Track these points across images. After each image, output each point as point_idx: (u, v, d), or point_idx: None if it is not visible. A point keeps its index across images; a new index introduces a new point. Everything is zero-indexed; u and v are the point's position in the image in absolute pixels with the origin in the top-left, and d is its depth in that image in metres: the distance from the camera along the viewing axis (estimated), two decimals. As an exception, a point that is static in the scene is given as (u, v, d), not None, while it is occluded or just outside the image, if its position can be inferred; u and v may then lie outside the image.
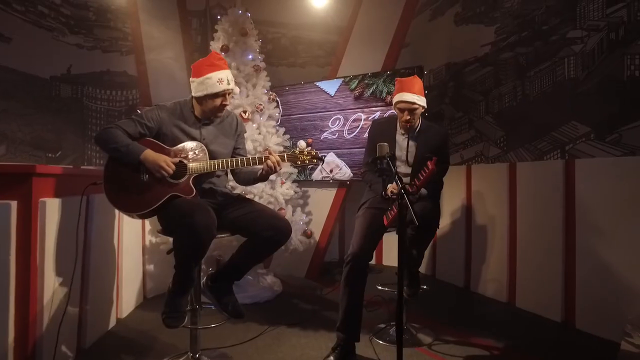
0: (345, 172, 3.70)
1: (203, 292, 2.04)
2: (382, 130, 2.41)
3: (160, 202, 1.82)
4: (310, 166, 1.98)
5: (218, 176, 2.08)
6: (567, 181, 2.56)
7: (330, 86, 3.74)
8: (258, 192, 3.11)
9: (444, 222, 3.74)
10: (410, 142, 2.34)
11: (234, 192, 2.19)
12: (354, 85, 3.61)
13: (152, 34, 3.97)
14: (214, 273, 2.02)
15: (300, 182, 3.90)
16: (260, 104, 3.19)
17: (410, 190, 2.04)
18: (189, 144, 1.96)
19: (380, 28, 3.76)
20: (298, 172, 3.90)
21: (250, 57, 3.32)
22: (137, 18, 3.97)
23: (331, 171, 3.78)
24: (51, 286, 1.89)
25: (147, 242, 3.12)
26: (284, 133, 3.50)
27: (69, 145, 3.78)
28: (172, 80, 3.94)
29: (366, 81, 3.55)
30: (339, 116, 3.72)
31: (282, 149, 3.36)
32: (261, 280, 3.40)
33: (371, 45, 3.74)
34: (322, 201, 3.95)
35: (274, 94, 3.39)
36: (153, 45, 3.97)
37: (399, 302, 1.55)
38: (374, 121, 2.54)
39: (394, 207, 2.08)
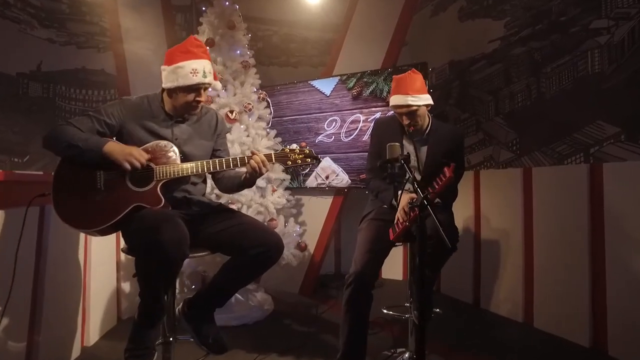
0: (342, 179, 3.40)
1: (178, 320, 1.71)
2: (387, 130, 2.11)
3: (121, 215, 1.50)
4: (304, 168, 1.66)
5: (194, 183, 1.76)
6: (593, 188, 2.29)
7: (326, 85, 3.45)
8: (246, 201, 2.79)
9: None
10: (420, 145, 2.05)
11: (216, 201, 1.87)
12: (351, 84, 3.32)
13: (132, 29, 3.65)
14: (192, 298, 1.70)
15: (293, 190, 3.58)
16: (249, 103, 2.89)
17: (431, 197, 1.74)
18: (157, 144, 1.64)
19: (379, 24, 3.49)
20: (291, 179, 3.58)
21: (238, 52, 3.02)
22: (116, 12, 3.65)
23: (327, 177, 3.47)
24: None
25: (122, 257, 2.77)
26: (276, 136, 3.20)
27: (38, 150, 3.42)
28: (154, 79, 3.60)
29: (365, 79, 3.26)
30: (335, 117, 3.43)
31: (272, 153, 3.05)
32: (250, 298, 3.06)
33: (369, 42, 3.46)
34: (317, 210, 3.63)
35: (264, 93, 3.09)
36: (133, 42, 3.65)
37: (418, 340, 1.23)
38: (377, 120, 2.25)
39: (399, 217, 1.78)
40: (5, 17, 3.24)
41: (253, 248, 1.57)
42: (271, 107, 3.68)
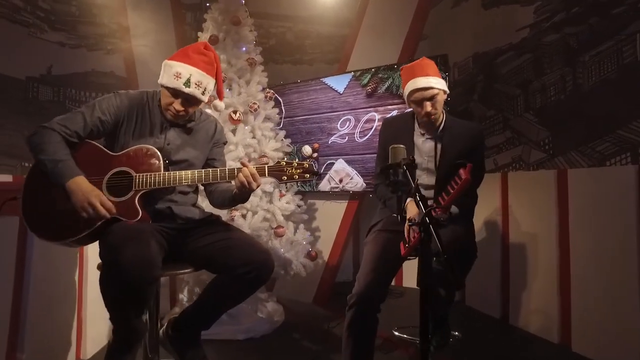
0: (356, 182, 3.18)
1: (162, 343, 1.55)
2: (396, 130, 1.90)
3: (93, 227, 1.35)
4: (303, 180, 1.47)
5: (184, 192, 1.60)
6: (642, 192, 1.98)
7: (339, 82, 3.25)
8: (252, 207, 2.62)
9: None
10: (431, 144, 1.82)
11: (207, 211, 1.70)
12: (365, 81, 3.10)
13: (141, 30, 3.58)
14: (177, 319, 1.54)
15: (306, 194, 3.40)
16: (255, 103, 2.72)
17: (439, 212, 1.52)
18: (139, 148, 1.48)
19: (395, 17, 3.26)
20: (302, 183, 3.40)
21: (243, 49, 2.86)
22: (124, 12, 3.59)
23: (340, 181, 3.26)
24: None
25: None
26: (286, 136, 3.02)
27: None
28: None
29: (380, 75, 3.03)
30: (349, 117, 3.21)
31: (281, 155, 2.87)
32: (260, 308, 2.89)
33: (385, 36, 3.23)
34: (332, 215, 3.43)
35: (272, 91, 2.91)
36: (142, 43, 3.57)
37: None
38: (385, 120, 2.03)
39: (412, 231, 1.56)
40: (15, 21, 3.22)
41: (238, 267, 1.39)
42: (282, 107, 3.53)
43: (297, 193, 2.98)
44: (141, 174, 1.43)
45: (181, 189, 1.57)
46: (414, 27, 3.12)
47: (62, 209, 1.36)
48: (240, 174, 1.41)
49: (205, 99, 1.55)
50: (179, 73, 1.46)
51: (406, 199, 1.72)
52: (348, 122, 3.22)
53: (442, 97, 1.80)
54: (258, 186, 1.43)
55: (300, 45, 4.24)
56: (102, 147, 1.49)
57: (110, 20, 3.66)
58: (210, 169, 1.48)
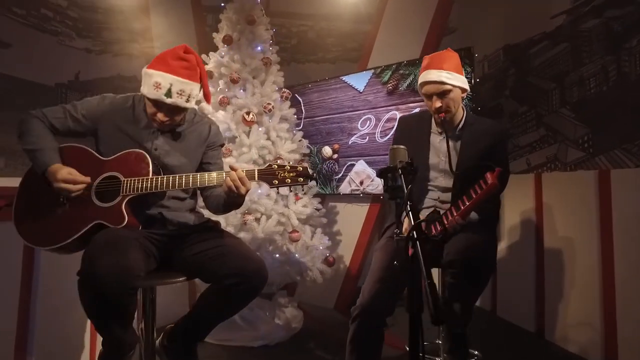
0: (378, 184, 3.04)
1: (158, 353, 1.50)
2: (412, 129, 1.76)
3: (79, 233, 1.31)
4: (297, 185, 1.36)
5: (180, 198, 1.54)
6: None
7: (359, 80, 3.12)
8: (266, 211, 2.55)
9: (505, 243, 2.95)
10: (451, 143, 1.66)
11: (204, 217, 1.63)
12: (386, 78, 2.95)
13: (163, 33, 3.62)
14: (172, 329, 1.48)
15: (327, 197, 3.31)
16: (269, 104, 2.64)
17: (456, 218, 1.37)
18: (128, 153, 1.44)
19: (416, 11, 3.10)
20: (322, 185, 3.30)
21: (259, 48, 2.80)
22: (147, 17, 3.64)
23: (361, 183, 3.13)
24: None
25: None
26: (306, 137, 2.94)
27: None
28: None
29: (401, 71, 2.88)
30: (369, 116, 3.08)
31: (297, 157, 2.78)
32: (278, 314, 2.82)
33: (406, 31, 3.08)
34: (353, 219, 3.31)
35: (287, 91, 2.83)
36: (164, 46, 3.60)
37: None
38: (401, 118, 1.90)
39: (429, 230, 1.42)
40: (45, 30, 3.33)
41: (228, 277, 1.31)
42: (302, 107, 3.45)
43: (315, 196, 2.89)
44: (129, 179, 1.38)
45: (175, 194, 1.51)
46: (437, 20, 2.94)
47: (49, 217, 1.34)
48: (228, 178, 1.33)
49: (190, 105, 1.47)
50: (158, 83, 1.39)
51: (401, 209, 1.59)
52: (369, 122, 3.08)
53: (457, 95, 1.65)
54: (247, 191, 1.34)
55: (322, 44, 4.13)
56: (93, 151, 1.46)
57: (134, 25, 3.72)
58: (199, 173, 1.41)
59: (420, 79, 1.67)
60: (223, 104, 2.61)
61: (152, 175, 1.39)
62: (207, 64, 2.79)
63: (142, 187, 1.37)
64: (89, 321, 2.15)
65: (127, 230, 1.32)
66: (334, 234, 3.35)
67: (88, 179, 1.38)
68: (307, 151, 2.99)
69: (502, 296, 2.98)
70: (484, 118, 1.80)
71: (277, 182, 1.35)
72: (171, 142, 1.53)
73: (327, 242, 2.80)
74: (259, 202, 2.53)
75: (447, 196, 1.68)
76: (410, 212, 0.92)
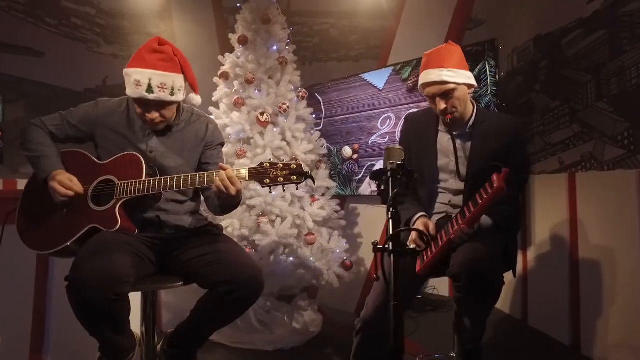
0: (398, 185, 2.92)
1: (159, 358, 1.49)
2: (419, 128, 1.66)
3: (75, 237, 1.32)
4: (290, 184, 1.30)
5: (180, 201, 1.52)
6: None
7: (378, 77, 3.02)
8: (281, 213, 2.51)
9: (535, 249, 2.76)
10: (460, 143, 1.55)
11: (205, 220, 1.60)
12: (406, 74, 2.84)
13: (186, 35, 3.68)
14: (171, 335, 1.47)
15: (345, 198, 3.23)
16: (284, 104, 2.60)
17: (462, 226, 1.27)
18: (123, 157, 1.44)
19: (438, 3, 2.96)
20: (343, 186, 3.23)
21: (274, 48, 2.76)
22: (170, 20, 3.71)
23: (381, 183, 3.02)
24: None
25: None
26: (326, 137, 2.89)
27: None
28: (204, 86, 3.58)
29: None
30: (389, 114, 2.97)
31: (314, 158, 2.73)
32: (296, 318, 2.78)
33: (427, 25, 2.94)
34: (374, 221, 3.21)
35: (304, 90, 2.78)
36: (186, 47, 3.66)
37: None
38: (407, 116, 1.79)
39: (433, 244, 1.33)
40: (75, 38, 3.47)
41: (221, 285, 1.28)
42: (322, 107, 3.39)
43: (334, 197, 2.82)
44: (123, 182, 1.38)
45: (174, 197, 1.49)
46: (460, 12, 2.80)
47: (47, 221, 1.37)
48: (217, 178, 1.29)
49: (177, 98, 1.43)
50: (138, 81, 1.36)
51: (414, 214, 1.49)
52: (389, 120, 2.98)
53: (463, 92, 1.53)
54: (238, 191, 1.29)
55: (345, 42, 4.05)
56: (90, 156, 1.48)
57: (157, 29, 3.79)
58: (190, 174, 1.38)
59: (420, 80, 1.56)
60: (238, 105, 2.60)
61: (145, 178, 1.38)
62: (223, 65, 2.79)
63: (135, 190, 1.36)
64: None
65: (122, 233, 1.32)
66: (355, 237, 3.27)
67: (81, 190, 1.38)
68: (325, 152, 2.92)
69: (534, 304, 2.79)
70: (498, 113, 1.68)
71: (268, 181, 1.29)
72: (167, 143, 1.52)
73: (345, 245, 2.73)
74: (274, 204, 2.49)
75: (459, 199, 1.57)
76: (391, 220, 0.83)
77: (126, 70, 1.42)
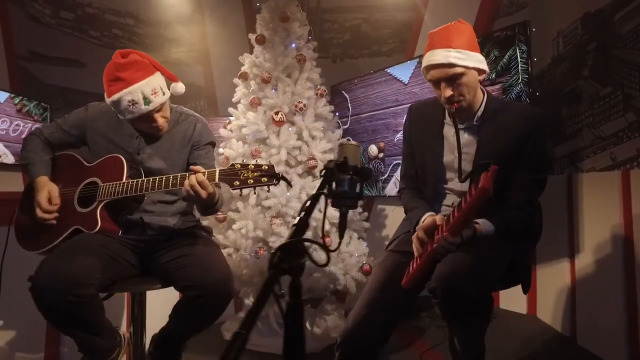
0: (425, 185, 2.73)
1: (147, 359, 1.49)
2: (423, 120, 1.50)
3: (60, 238, 1.35)
4: (261, 185, 1.21)
5: (168, 202, 1.51)
6: None
7: (403, 71, 2.84)
8: (295, 213, 2.44)
9: (584, 256, 2.44)
10: (467, 137, 1.37)
11: (193, 222, 1.57)
12: (432, 65, 2.63)
13: (218, 39, 3.77)
14: (156, 336, 1.45)
15: (373, 199, 3.10)
16: (300, 102, 2.53)
17: (445, 235, 1.12)
18: (107, 159, 1.45)
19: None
20: (369, 186, 3.09)
21: (293, 45, 2.71)
22: (203, 25, 3.81)
23: (408, 183, 2.85)
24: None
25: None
26: (352, 136, 2.79)
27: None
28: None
29: (447, 57, 2.54)
30: (415, 110, 2.78)
31: (333, 157, 2.62)
32: (318, 322, 2.71)
33: (453, 12, 2.70)
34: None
35: (323, 88, 2.69)
36: (218, 51, 3.76)
37: None
38: (412, 107, 1.62)
39: (417, 256, 1.18)
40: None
41: (188, 289, 1.24)
42: (349, 104, 3.28)
43: (355, 198, 2.70)
44: (106, 184, 1.39)
45: (161, 198, 1.48)
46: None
47: (38, 221, 1.40)
48: (186, 181, 1.24)
49: (168, 94, 1.46)
50: (132, 100, 1.36)
51: (421, 214, 1.34)
52: (415, 116, 2.79)
53: (472, 78, 1.32)
54: (209, 194, 1.24)
55: (378, 36, 3.89)
56: (80, 158, 1.51)
57: (191, 35, 3.91)
58: (165, 176, 1.35)
59: (424, 62, 1.38)
60: (254, 104, 2.58)
61: (126, 180, 1.38)
62: (243, 64, 2.78)
63: (115, 192, 1.36)
64: (125, 309, 2.26)
65: (104, 235, 1.33)
66: (382, 239, 3.12)
67: (53, 209, 1.40)
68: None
69: (583, 320, 2.46)
70: (514, 102, 1.47)
71: (238, 183, 1.23)
72: (155, 145, 1.51)
73: (365, 248, 2.60)
74: (289, 205, 2.43)
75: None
76: (296, 226, 0.71)
77: (113, 99, 1.40)
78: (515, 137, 1.31)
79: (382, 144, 3.00)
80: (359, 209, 2.68)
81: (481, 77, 1.36)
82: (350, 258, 2.49)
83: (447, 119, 1.46)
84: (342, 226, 0.89)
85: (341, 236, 0.90)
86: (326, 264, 0.70)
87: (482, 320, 1.14)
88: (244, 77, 2.73)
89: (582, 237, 2.48)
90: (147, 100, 1.38)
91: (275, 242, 2.35)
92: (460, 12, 2.70)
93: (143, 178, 1.40)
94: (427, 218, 1.27)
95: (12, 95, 2.87)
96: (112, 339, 1.39)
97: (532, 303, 2.95)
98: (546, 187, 2.59)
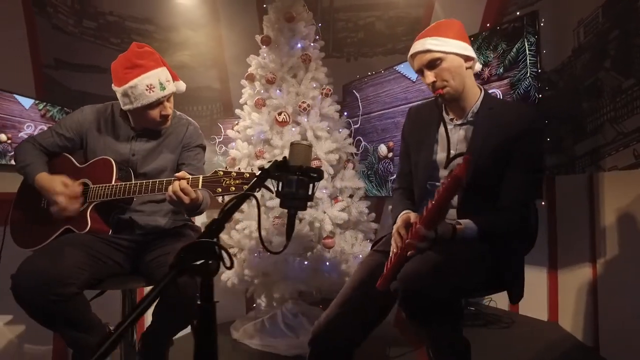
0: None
1: (138, 355, 1.52)
2: (419, 120, 1.47)
3: (51, 238, 1.40)
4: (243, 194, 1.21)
5: (159, 202, 1.54)
6: None
7: (411, 68, 2.75)
8: (298, 214, 2.43)
9: (607, 261, 2.28)
10: (461, 133, 1.33)
11: (180, 221, 1.59)
12: (439, 62, 2.55)
13: (233, 42, 3.82)
14: (143, 334, 1.48)
15: (382, 200, 3.04)
16: (304, 102, 2.52)
17: (418, 228, 1.08)
18: (97, 161, 1.50)
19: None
20: (378, 186, 3.04)
21: (299, 45, 2.70)
22: (218, 29, 3.88)
23: (418, 183, 2.77)
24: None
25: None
26: (363, 135, 2.75)
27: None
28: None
29: (455, 52, 2.44)
30: (424, 107, 2.70)
31: (337, 157, 2.60)
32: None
33: (462, 6, 2.61)
34: (414, 224, 2.95)
35: (328, 87, 2.66)
36: (232, 53, 3.82)
37: None
38: (411, 109, 1.59)
39: (392, 255, 1.14)
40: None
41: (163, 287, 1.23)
42: (360, 103, 3.24)
43: (363, 198, 2.66)
44: (95, 186, 1.43)
45: (151, 197, 1.51)
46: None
47: (31, 220, 1.47)
48: (170, 187, 1.27)
49: (174, 88, 1.52)
50: (150, 84, 1.40)
51: (399, 212, 1.29)
52: (424, 114, 2.71)
53: (454, 63, 1.30)
54: (191, 200, 1.26)
55: (392, 34, 3.82)
56: (72, 159, 1.56)
57: (208, 39, 3.99)
58: (152, 181, 1.38)
59: (409, 53, 1.37)
60: (258, 105, 2.59)
61: (116, 182, 1.41)
62: (250, 65, 2.79)
63: (103, 194, 1.41)
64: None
65: (94, 235, 1.37)
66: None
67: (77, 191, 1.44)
68: (355, 150, 2.77)
69: (606, 329, 2.29)
70: (511, 102, 1.40)
71: (220, 190, 1.25)
72: (149, 147, 1.55)
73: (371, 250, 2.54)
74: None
75: (454, 201, 1.33)
76: (207, 226, 0.68)
77: (130, 83, 1.44)
78: (509, 135, 1.26)
79: (391, 144, 2.93)
80: (366, 210, 2.63)
81: (468, 64, 1.32)
82: (354, 259, 2.45)
83: (447, 119, 1.42)
84: (290, 227, 0.87)
85: (288, 237, 0.88)
86: (230, 267, 0.67)
87: (446, 327, 1.08)
88: (251, 78, 2.75)
89: (603, 241, 2.32)
90: (162, 86, 1.44)
91: (276, 243, 2.34)
92: (468, 5, 2.60)
93: (132, 181, 1.44)
94: (404, 215, 1.24)
95: (37, 102, 3.03)
96: (100, 335, 1.43)
97: (554, 310, 2.79)
98: (566, 188, 2.44)
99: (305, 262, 2.35)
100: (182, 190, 1.27)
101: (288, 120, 2.49)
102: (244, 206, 2.49)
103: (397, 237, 1.21)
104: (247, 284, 2.46)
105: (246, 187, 1.20)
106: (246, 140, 2.60)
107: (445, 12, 2.79)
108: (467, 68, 1.33)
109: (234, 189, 1.24)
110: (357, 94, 3.24)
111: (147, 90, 1.41)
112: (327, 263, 2.36)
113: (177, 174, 1.31)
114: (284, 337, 2.57)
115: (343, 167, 2.66)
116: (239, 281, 2.42)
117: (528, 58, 2.03)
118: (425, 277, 1.00)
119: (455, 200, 1.33)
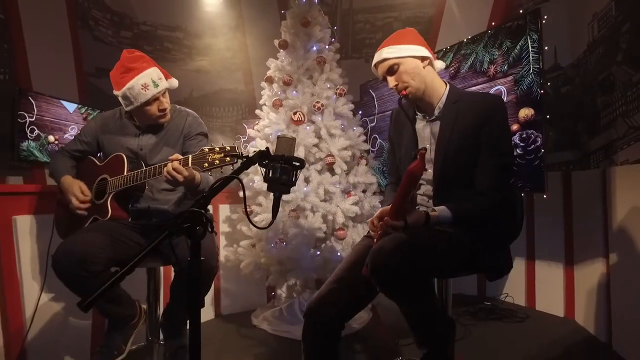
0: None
1: (160, 327, 1.72)
2: (400, 118, 1.59)
3: (84, 227, 1.61)
4: (226, 164, 1.35)
5: (171, 190, 1.73)
6: None
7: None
8: (313, 207, 2.57)
9: (619, 255, 2.27)
10: (433, 129, 1.43)
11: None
12: (448, 60, 2.62)
13: (257, 47, 4.02)
14: (164, 310, 1.67)
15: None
16: (318, 101, 2.66)
17: (387, 218, 1.20)
18: (112, 157, 1.71)
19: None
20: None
21: (314, 48, 2.85)
22: (243, 35, 4.09)
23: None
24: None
25: (222, 257, 3.02)
26: (378, 133, 2.86)
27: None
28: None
29: (462, 51, 2.51)
30: (436, 105, 2.77)
31: (351, 153, 2.73)
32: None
33: (470, 5, 2.66)
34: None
35: (341, 87, 2.79)
36: (256, 55, 4.01)
37: None
38: (394, 110, 1.69)
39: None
40: (166, 59, 4.10)
41: (174, 265, 1.42)
42: (375, 102, 3.35)
43: (376, 193, 2.77)
44: (112, 179, 1.64)
45: (164, 187, 1.70)
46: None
47: (69, 212, 1.70)
48: (164, 169, 1.44)
49: (167, 84, 1.69)
50: (145, 84, 1.59)
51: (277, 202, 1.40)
52: (435, 111, 2.78)
53: (409, 66, 1.41)
54: (185, 178, 1.42)
55: (410, 33, 3.89)
56: (95, 160, 1.79)
57: (233, 44, 4.21)
58: (152, 166, 1.56)
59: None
60: (276, 106, 2.75)
61: (127, 173, 1.62)
62: (269, 68, 2.96)
63: (119, 184, 1.61)
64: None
65: (115, 222, 1.58)
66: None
67: (87, 199, 1.67)
68: (368, 147, 2.88)
69: (619, 324, 2.28)
70: (476, 92, 1.48)
71: (207, 165, 1.37)
72: (154, 141, 1.74)
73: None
74: (307, 199, 2.57)
75: (429, 191, 1.44)
76: (196, 200, 0.82)
77: (128, 85, 1.63)
78: (474, 124, 1.34)
79: (405, 141, 3.01)
80: (378, 204, 2.73)
81: (424, 63, 1.42)
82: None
83: (418, 115, 1.52)
84: (275, 208, 1.00)
85: (274, 216, 1.02)
86: (212, 232, 0.82)
87: (416, 304, 1.18)
88: (270, 80, 2.91)
89: (616, 234, 2.31)
90: (155, 84, 1.62)
91: (291, 234, 2.50)
92: (477, 5, 2.64)
93: (141, 169, 1.64)
94: (383, 208, 1.35)
95: (80, 106, 3.35)
96: (130, 307, 1.63)
97: (570, 305, 2.78)
98: (580, 183, 2.43)
99: (318, 253, 2.49)
100: (174, 169, 1.43)
101: (303, 119, 2.64)
102: (262, 200, 2.66)
103: (372, 227, 1.33)
104: (264, 271, 2.62)
105: (228, 159, 1.34)
106: (264, 139, 2.77)
107: (455, 11, 2.84)
108: (424, 67, 1.43)
109: (218, 162, 1.35)
110: (373, 93, 3.35)
111: (142, 89, 1.59)
112: (339, 254, 2.48)
113: (170, 157, 1.47)
114: (299, 324, 2.71)
115: (357, 164, 2.78)
116: (256, 268, 2.60)
117: (531, 55, 2.07)
118: (389, 252, 1.10)
119: (430, 190, 1.43)
